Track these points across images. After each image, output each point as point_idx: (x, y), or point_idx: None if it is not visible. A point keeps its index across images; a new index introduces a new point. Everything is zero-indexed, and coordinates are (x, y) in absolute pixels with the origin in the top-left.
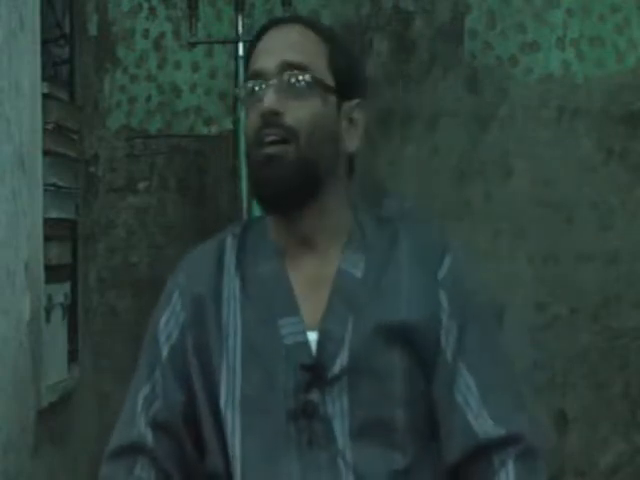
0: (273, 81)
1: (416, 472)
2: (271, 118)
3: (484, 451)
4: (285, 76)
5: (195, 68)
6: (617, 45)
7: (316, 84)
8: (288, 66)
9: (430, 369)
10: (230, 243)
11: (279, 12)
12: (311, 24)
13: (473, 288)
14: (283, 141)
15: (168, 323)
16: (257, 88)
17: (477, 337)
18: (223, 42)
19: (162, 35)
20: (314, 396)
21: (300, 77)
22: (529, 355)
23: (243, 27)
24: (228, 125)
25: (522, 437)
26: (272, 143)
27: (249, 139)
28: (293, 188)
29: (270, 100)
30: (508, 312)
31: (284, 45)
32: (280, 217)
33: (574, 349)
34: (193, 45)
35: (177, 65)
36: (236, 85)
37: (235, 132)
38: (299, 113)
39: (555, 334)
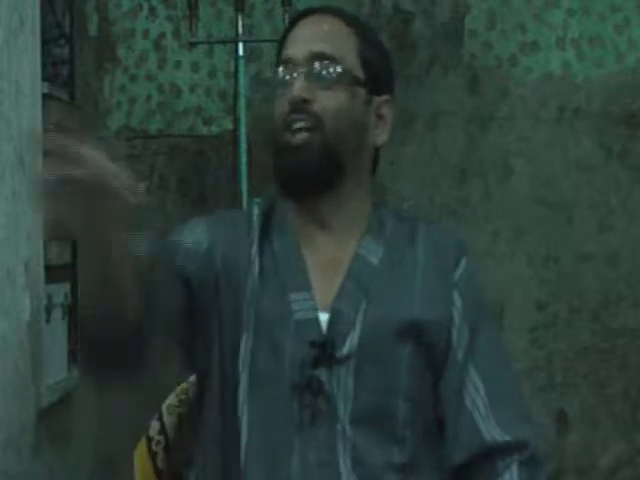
0: (303, 69)
1: (414, 468)
2: (299, 105)
3: (489, 455)
4: (315, 66)
5: (195, 68)
6: (617, 45)
7: (345, 76)
8: (318, 56)
9: (439, 366)
10: (257, 215)
11: (279, 12)
12: (344, 16)
13: (483, 291)
14: (308, 128)
15: (194, 229)
16: (286, 75)
17: (487, 340)
18: (223, 42)
19: (162, 35)
20: (320, 373)
21: (330, 68)
22: (529, 355)
23: (243, 27)
24: (228, 125)
25: (527, 445)
26: (298, 130)
27: (276, 125)
28: (315, 175)
29: (299, 87)
30: (508, 312)
31: (315, 35)
32: (299, 201)
33: (574, 349)
34: (193, 45)
35: (177, 65)
36: (236, 85)
37: (235, 132)
38: (326, 102)
39: (555, 334)
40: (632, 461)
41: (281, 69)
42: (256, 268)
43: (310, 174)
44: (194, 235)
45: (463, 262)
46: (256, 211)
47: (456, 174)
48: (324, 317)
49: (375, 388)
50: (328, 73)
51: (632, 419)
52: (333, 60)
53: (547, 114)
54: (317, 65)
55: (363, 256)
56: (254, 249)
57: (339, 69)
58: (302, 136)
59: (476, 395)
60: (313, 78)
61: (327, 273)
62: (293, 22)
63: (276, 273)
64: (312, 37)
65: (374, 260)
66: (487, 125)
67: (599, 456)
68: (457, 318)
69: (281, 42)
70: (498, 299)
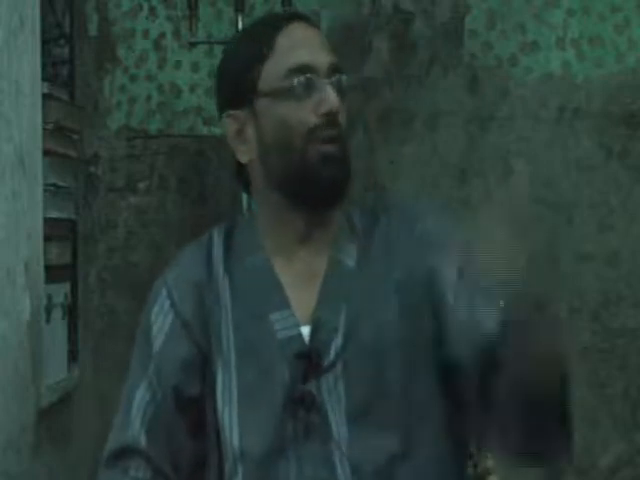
0: (326, 79)
1: (414, 456)
2: (334, 117)
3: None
4: (337, 77)
5: (195, 68)
6: (617, 45)
7: (348, 88)
8: (336, 67)
9: (435, 329)
10: (217, 239)
11: (279, 12)
12: (317, 26)
13: (453, 232)
14: (336, 140)
15: (158, 316)
16: (309, 83)
17: (471, 272)
18: (223, 42)
19: (162, 35)
20: (311, 386)
21: (344, 80)
22: None
23: (243, 27)
24: None
25: None
26: (331, 141)
27: (300, 134)
28: (347, 186)
29: (335, 97)
30: None
31: (322, 45)
32: (317, 214)
33: (574, 349)
34: (193, 45)
35: (177, 65)
36: None
37: None
38: (344, 115)
39: None
40: (632, 461)
41: (307, 76)
42: (227, 293)
43: (346, 185)
44: (173, 341)
45: (421, 220)
46: (216, 233)
47: (456, 174)
48: (306, 330)
49: (367, 384)
50: (344, 86)
51: (632, 419)
52: (343, 72)
53: (547, 114)
54: (338, 77)
55: (339, 260)
56: (220, 278)
57: (347, 82)
58: (336, 146)
59: (468, 299)
60: (337, 90)
61: (305, 285)
62: (278, 27)
63: (251, 293)
64: (321, 47)
65: (350, 262)
66: (487, 125)
67: (599, 456)
68: (436, 282)
69: (263, 47)
70: None
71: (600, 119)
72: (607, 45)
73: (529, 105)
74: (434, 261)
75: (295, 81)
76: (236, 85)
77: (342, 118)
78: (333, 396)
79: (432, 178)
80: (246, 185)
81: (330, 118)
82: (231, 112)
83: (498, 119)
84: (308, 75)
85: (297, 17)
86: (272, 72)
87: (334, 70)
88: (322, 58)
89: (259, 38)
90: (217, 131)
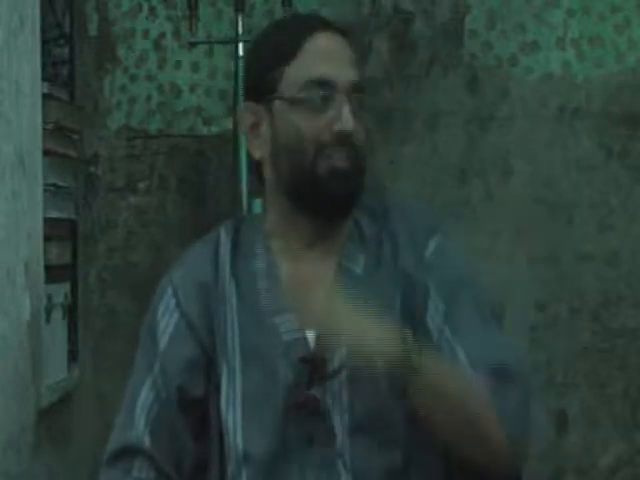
0: (345, 98)
1: (414, 470)
2: (346, 138)
3: None
4: (355, 97)
5: (195, 68)
6: (617, 45)
7: (366, 107)
8: (356, 87)
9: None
10: (224, 237)
11: (279, 12)
12: (346, 35)
13: (460, 266)
14: (349, 159)
15: (164, 315)
16: (326, 98)
17: (465, 312)
18: (223, 42)
19: (162, 35)
20: (315, 391)
21: (363, 101)
22: (529, 355)
23: (243, 27)
24: (228, 125)
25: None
26: (341, 159)
27: (311, 145)
28: (356, 199)
29: (350, 119)
30: (508, 312)
31: (347, 59)
32: (322, 223)
33: (574, 349)
34: (193, 45)
35: (177, 65)
36: (236, 85)
37: (235, 132)
38: (361, 135)
39: (555, 334)
40: (632, 461)
41: (323, 90)
42: (233, 294)
43: (355, 199)
44: (177, 341)
45: (433, 242)
46: (223, 233)
47: (456, 174)
48: (312, 335)
49: (371, 395)
50: (362, 107)
51: (632, 419)
52: (363, 92)
53: (547, 114)
54: (357, 97)
55: (347, 267)
56: (226, 279)
57: (365, 101)
58: (346, 164)
59: (452, 357)
60: (354, 109)
61: (311, 290)
62: (305, 34)
63: (257, 296)
64: (345, 60)
65: (358, 269)
66: (487, 125)
67: (599, 456)
68: (430, 301)
69: (287, 53)
70: (498, 299)
71: (600, 119)
72: (607, 45)
73: (529, 105)
74: (432, 290)
75: (313, 94)
76: (257, 81)
77: (357, 139)
78: (337, 404)
79: (432, 178)
80: (262, 181)
81: (342, 138)
82: (250, 104)
83: (498, 119)
84: (326, 90)
85: (327, 25)
86: (293, 78)
87: (354, 88)
88: (344, 73)
89: (286, 39)
90: (217, 131)
